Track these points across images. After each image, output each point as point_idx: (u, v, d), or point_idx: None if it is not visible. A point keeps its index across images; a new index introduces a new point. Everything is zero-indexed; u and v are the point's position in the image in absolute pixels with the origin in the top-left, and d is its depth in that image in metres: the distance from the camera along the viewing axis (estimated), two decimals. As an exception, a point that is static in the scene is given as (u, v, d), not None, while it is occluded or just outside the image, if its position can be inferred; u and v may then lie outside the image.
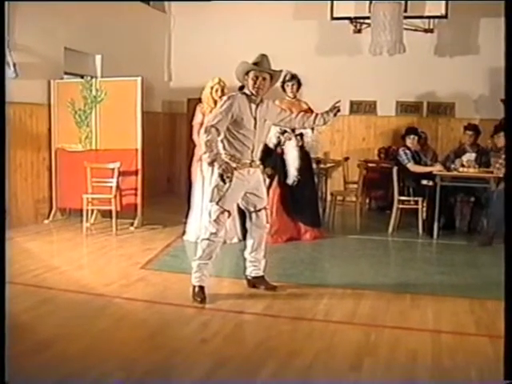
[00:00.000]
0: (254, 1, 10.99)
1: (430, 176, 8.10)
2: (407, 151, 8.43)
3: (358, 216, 8.66)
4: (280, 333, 4.45)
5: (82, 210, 8.16)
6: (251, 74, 4.99)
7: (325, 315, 4.80)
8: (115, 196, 8.15)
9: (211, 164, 4.99)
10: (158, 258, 6.73)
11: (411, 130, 8.76)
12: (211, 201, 5.07)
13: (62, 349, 3.99)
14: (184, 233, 7.74)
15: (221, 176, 4.93)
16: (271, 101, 5.40)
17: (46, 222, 8.71)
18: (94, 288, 5.42)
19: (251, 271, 5.45)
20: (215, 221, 5.03)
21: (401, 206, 8.42)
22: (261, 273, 5.45)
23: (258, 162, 5.19)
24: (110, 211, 8.08)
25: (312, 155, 7.85)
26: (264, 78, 5.00)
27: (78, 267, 6.28)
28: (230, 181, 4.93)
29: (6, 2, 7.40)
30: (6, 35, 7.66)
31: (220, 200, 5.01)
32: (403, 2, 9.91)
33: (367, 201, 10.56)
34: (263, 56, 5.06)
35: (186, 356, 3.96)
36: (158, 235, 7.98)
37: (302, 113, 5.56)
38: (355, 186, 9.29)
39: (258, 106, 5.07)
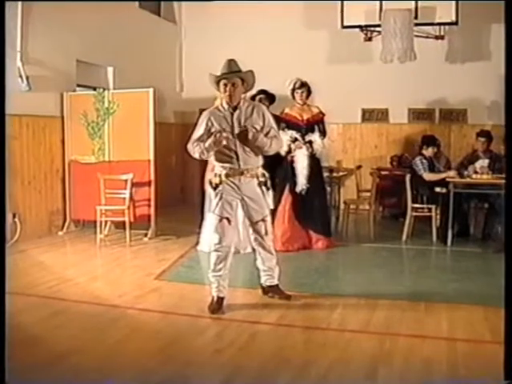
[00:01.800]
0: (265, 1, 11.02)
1: (443, 183, 8.06)
2: (424, 160, 8.34)
3: (371, 224, 8.63)
4: (294, 343, 4.44)
5: (95, 222, 8.18)
6: (221, 83, 5.06)
7: (339, 324, 4.79)
8: (128, 207, 8.18)
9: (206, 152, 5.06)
10: (172, 269, 6.74)
11: (430, 141, 8.62)
12: (209, 211, 5.12)
13: (76, 360, 4.00)
14: (198, 243, 7.75)
15: (210, 183, 5.07)
16: (262, 106, 5.37)
17: (60, 233, 8.74)
18: (108, 299, 5.44)
19: (265, 280, 5.45)
20: (215, 230, 5.10)
21: (414, 213, 8.39)
22: (275, 282, 5.44)
23: (254, 172, 5.14)
24: (124, 222, 8.11)
25: (323, 163, 7.85)
26: (233, 84, 5.03)
27: (91, 279, 6.31)
28: (217, 185, 5.07)
29: (20, 12, 7.63)
30: (19, 48, 7.78)
31: (215, 208, 5.09)
32: (414, 8, 9.90)
33: (380, 209, 10.53)
34: (230, 61, 5.10)
35: (200, 367, 3.97)
36: (171, 246, 7.99)
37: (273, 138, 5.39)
38: (368, 194, 9.28)
39: (233, 112, 5.09)
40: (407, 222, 8.37)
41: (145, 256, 7.44)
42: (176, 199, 11.86)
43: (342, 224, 9.13)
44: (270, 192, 5.24)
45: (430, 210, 8.29)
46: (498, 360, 3.97)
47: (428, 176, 8.28)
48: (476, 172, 7.99)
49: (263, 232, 5.26)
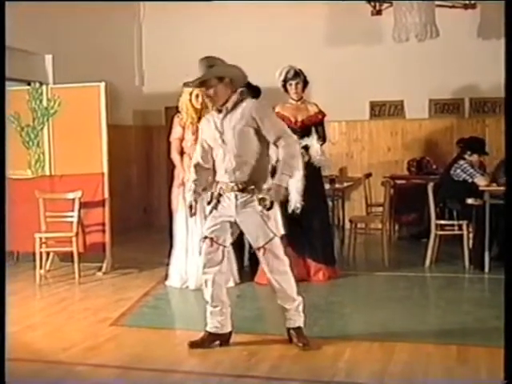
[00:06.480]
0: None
1: (477, 193, 8.03)
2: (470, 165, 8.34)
3: (385, 247, 8.64)
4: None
5: (34, 254, 8.14)
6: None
7: (347, 375, 4.76)
8: (77, 234, 8.13)
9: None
10: (134, 311, 6.71)
11: (479, 148, 8.65)
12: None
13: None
14: (166, 277, 7.72)
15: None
16: (255, 106, 5.29)
17: (-11, 269, 8.68)
18: (51, 354, 5.38)
19: (284, 321, 5.48)
20: (199, 252, 5.41)
21: (440, 232, 8.42)
22: (291, 324, 5.43)
23: (251, 187, 5.19)
24: (71, 253, 8.07)
25: (325, 172, 7.83)
26: (209, 87, 5.12)
27: (28, 328, 6.23)
28: (209, 202, 5.29)
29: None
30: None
31: (204, 226, 5.38)
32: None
33: (396, 227, 10.56)
34: (200, 61, 5.16)
35: None
36: (132, 281, 7.99)
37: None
38: (380, 209, 9.31)
39: (224, 117, 5.19)
40: (431, 243, 8.39)
41: (98, 296, 7.40)
42: (138, 222, 11.86)
43: (348, 248, 9.14)
44: (274, 212, 5.22)
45: (460, 227, 8.30)
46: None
47: (481, 181, 8.20)
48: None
49: (265, 263, 5.32)
